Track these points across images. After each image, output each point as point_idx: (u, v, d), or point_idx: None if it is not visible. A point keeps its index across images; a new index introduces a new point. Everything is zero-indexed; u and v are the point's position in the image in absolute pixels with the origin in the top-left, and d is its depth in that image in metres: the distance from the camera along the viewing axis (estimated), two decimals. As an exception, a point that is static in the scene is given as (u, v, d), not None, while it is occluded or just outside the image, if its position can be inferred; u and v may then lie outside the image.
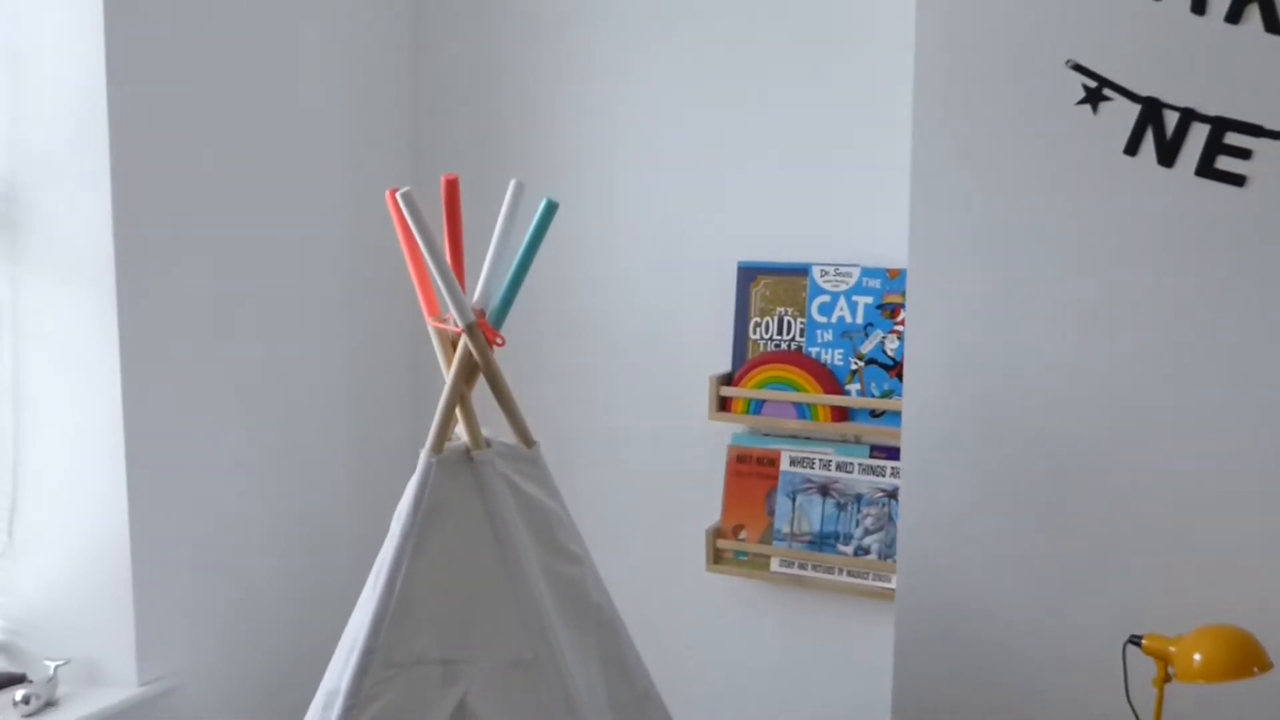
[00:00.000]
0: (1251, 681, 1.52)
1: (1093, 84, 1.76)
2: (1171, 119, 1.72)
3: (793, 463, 2.26)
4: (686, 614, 2.44)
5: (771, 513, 2.27)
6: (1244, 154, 1.68)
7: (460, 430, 1.67)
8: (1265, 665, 1.50)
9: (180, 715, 2.12)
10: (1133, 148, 1.74)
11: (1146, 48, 1.72)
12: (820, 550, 2.22)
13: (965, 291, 1.87)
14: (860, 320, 2.20)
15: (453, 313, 1.62)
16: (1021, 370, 1.84)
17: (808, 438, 2.27)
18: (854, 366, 2.20)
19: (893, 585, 2.04)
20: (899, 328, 2.14)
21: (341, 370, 2.50)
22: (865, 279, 2.19)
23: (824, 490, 2.23)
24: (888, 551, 2.15)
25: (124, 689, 2.04)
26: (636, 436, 2.47)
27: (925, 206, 1.88)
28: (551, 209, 1.62)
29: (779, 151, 2.29)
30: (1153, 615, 1.68)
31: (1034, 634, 1.85)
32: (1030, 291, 1.82)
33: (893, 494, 2.14)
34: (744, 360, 2.30)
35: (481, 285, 1.65)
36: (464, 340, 1.62)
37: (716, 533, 2.33)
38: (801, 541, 2.24)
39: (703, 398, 2.31)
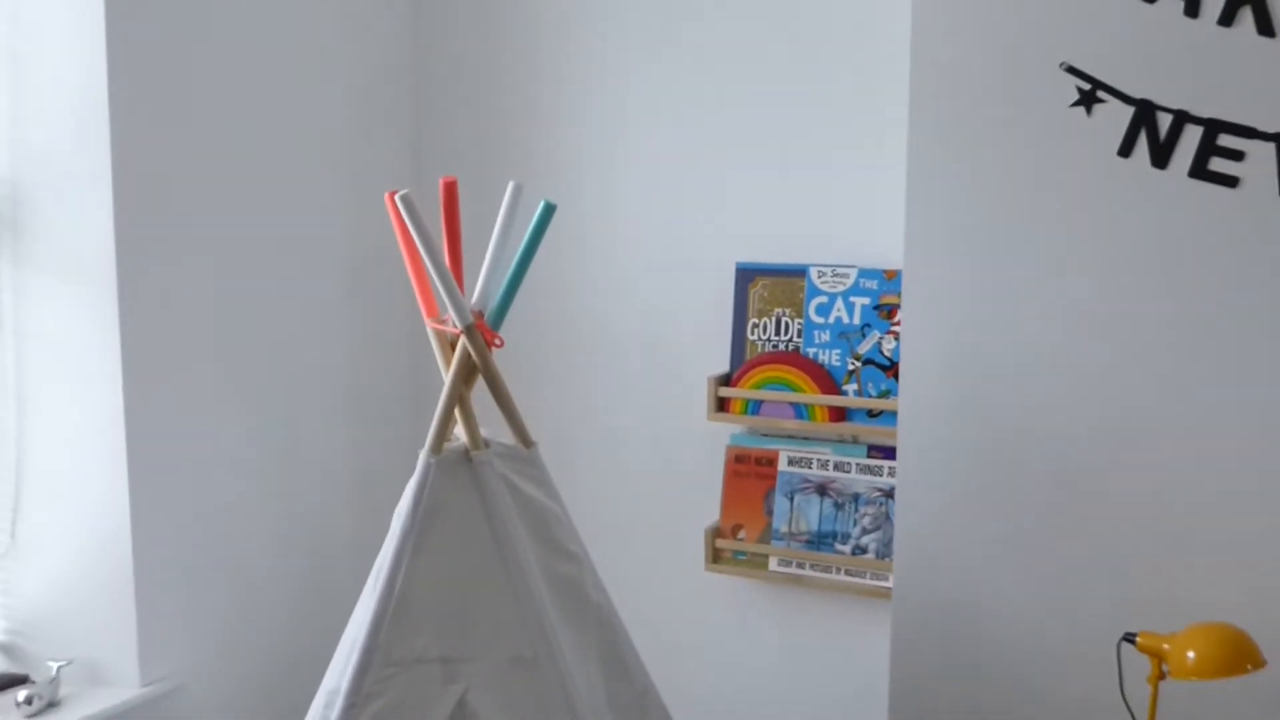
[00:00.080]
0: (1245, 679, 1.53)
1: (1087, 86, 1.77)
2: (1165, 121, 1.73)
3: (791, 463, 2.27)
4: (685, 613, 2.45)
5: (770, 512, 2.28)
6: (1237, 156, 1.69)
7: (459, 431, 1.68)
8: (1259, 662, 1.51)
9: (183, 715, 2.13)
10: (1126, 149, 1.76)
11: (1140, 50, 1.73)
12: (818, 549, 2.23)
13: (961, 292, 1.88)
14: (857, 321, 2.21)
15: (451, 314, 1.63)
16: (1017, 371, 1.85)
17: (805, 438, 2.28)
18: (851, 367, 2.21)
19: (890, 584, 2.05)
20: (896, 328, 2.15)
21: (341, 371, 2.51)
22: (862, 280, 2.20)
23: (822, 490, 2.24)
24: (885, 551, 2.16)
25: (126, 689, 2.05)
26: (635, 437, 2.48)
27: (921, 208, 1.89)
28: (549, 210, 1.63)
29: (777, 153, 2.31)
30: (1147, 613, 1.69)
31: (1029, 632, 1.86)
32: (1025, 292, 1.83)
33: (890, 493, 2.16)
34: (742, 361, 2.31)
35: (480, 287, 1.66)
36: (463, 341, 1.63)
37: (715, 532, 2.34)
38: (799, 541, 2.25)
39: (701, 398, 2.31)
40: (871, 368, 2.19)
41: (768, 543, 2.28)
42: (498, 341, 1.67)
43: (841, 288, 2.22)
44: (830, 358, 2.23)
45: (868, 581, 2.19)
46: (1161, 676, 1.62)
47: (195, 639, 2.17)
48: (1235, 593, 1.69)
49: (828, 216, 2.27)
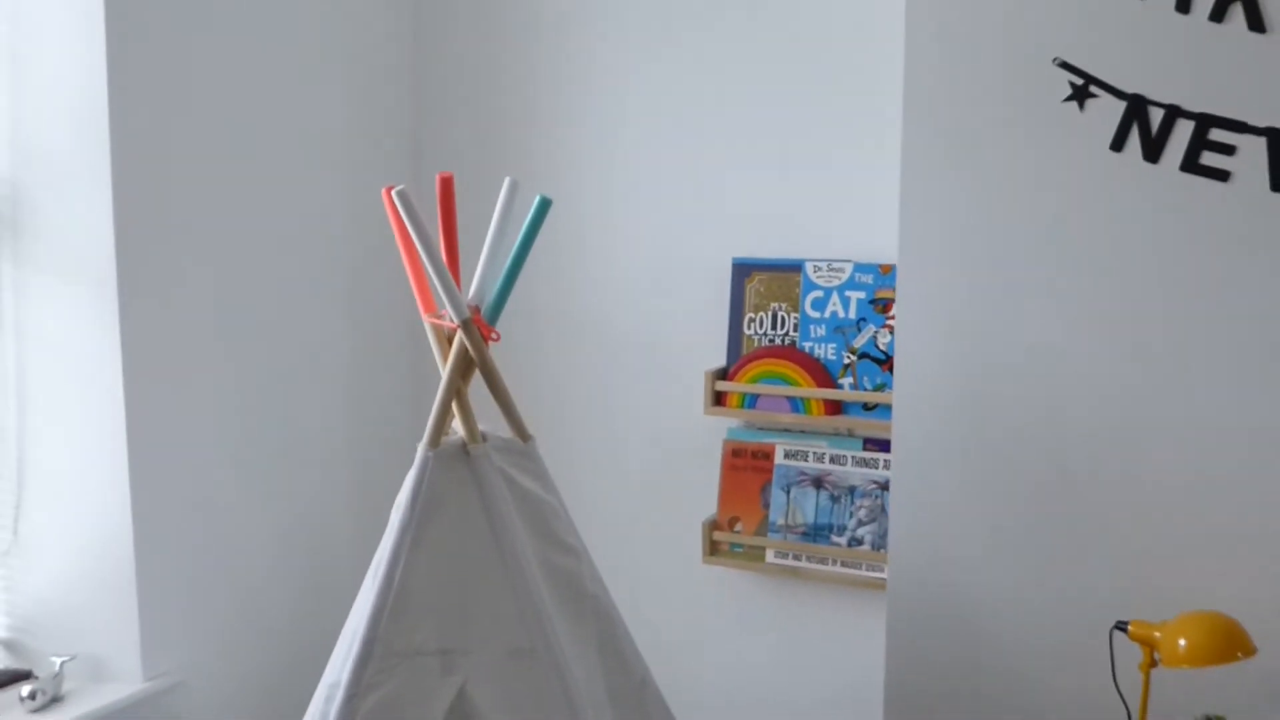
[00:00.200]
0: (1235, 666, 1.55)
1: (1079, 81, 1.78)
2: (1157, 116, 1.74)
3: (787, 456, 2.29)
4: (683, 605, 2.47)
5: (766, 505, 2.30)
6: (1228, 150, 1.71)
7: (457, 425, 1.69)
8: (1249, 650, 1.53)
9: (185, 710, 2.14)
10: (1119, 144, 1.77)
11: (1132, 46, 1.74)
12: (814, 542, 2.24)
13: (955, 287, 1.89)
14: (853, 315, 2.22)
15: (448, 309, 1.64)
16: (1010, 364, 1.86)
17: (802, 431, 2.29)
18: (847, 361, 2.22)
19: (885, 576, 2.06)
20: (891, 323, 2.16)
21: (340, 367, 2.52)
22: (858, 274, 2.22)
23: (818, 483, 2.25)
24: (881, 542, 2.17)
25: (129, 685, 2.06)
26: (632, 431, 2.50)
27: (915, 203, 1.91)
28: (545, 205, 1.65)
29: (773, 149, 2.32)
30: (1140, 604, 1.71)
31: (1023, 622, 1.87)
32: (1019, 287, 1.85)
33: (885, 486, 2.17)
34: (739, 355, 2.32)
35: (477, 282, 1.67)
36: (459, 336, 1.65)
37: (712, 525, 2.35)
38: (796, 533, 2.26)
39: (698, 392, 2.33)
40: (867, 361, 2.20)
41: (764, 535, 2.29)
42: (494, 336, 1.68)
43: (837, 282, 2.23)
44: (826, 352, 2.24)
45: (863, 573, 2.20)
46: (1153, 664, 1.63)
47: (197, 634, 2.18)
48: (1227, 583, 1.70)
49: (823, 212, 2.28)
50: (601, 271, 2.50)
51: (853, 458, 2.23)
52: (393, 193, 1.62)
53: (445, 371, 1.67)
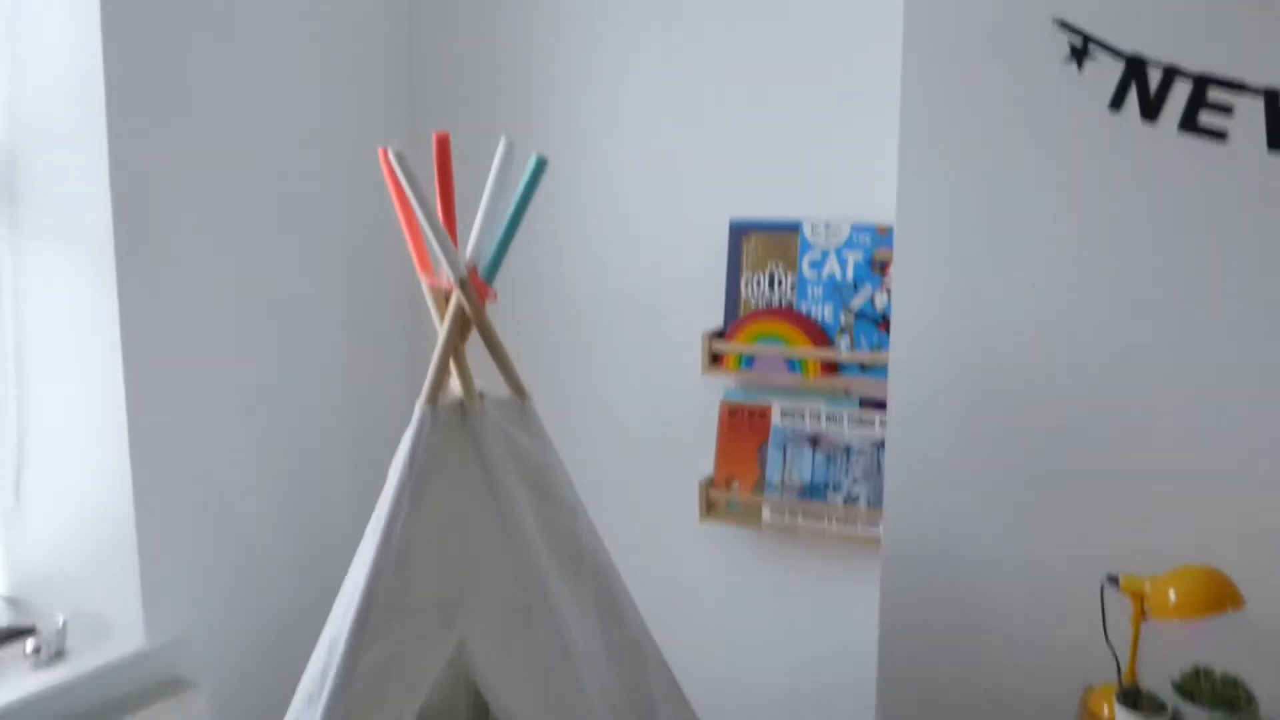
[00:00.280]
0: (1224, 619, 1.57)
1: (1078, 41, 1.77)
2: (1155, 75, 1.73)
3: (784, 416, 2.30)
4: (680, 563, 2.49)
5: (763, 464, 2.31)
6: (1226, 110, 1.70)
7: (455, 384, 1.70)
8: (1238, 603, 1.55)
9: (188, 666, 2.17)
10: (1117, 103, 1.76)
11: (1131, 5, 1.73)
12: (810, 500, 2.26)
13: (952, 247, 1.89)
14: (850, 276, 2.22)
15: (445, 268, 1.65)
16: (1006, 324, 1.87)
17: (798, 391, 2.30)
18: (844, 321, 2.23)
19: (880, 533, 2.07)
20: (888, 283, 2.16)
21: (338, 327, 2.53)
22: (855, 235, 2.22)
23: (814, 442, 2.27)
24: (876, 501, 2.19)
25: (131, 641, 2.09)
26: (630, 391, 2.51)
27: (913, 163, 1.90)
28: (541, 165, 1.65)
29: (771, 109, 2.31)
30: (1131, 559, 1.73)
31: (1015, 577, 1.89)
32: (1016, 246, 1.85)
33: (881, 445, 2.18)
34: (736, 316, 2.33)
35: (473, 241, 1.67)
36: (456, 295, 1.65)
37: (709, 484, 2.37)
38: (792, 492, 2.28)
39: (695, 353, 2.34)
40: (864, 322, 2.21)
41: (761, 494, 2.31)
42: (492, 295, 1.69)
43: (835, 243, 2.24)
44: (823, 312, 2.25)
45: (859, 531, 2.22)
46: (1143, 617, 1.65)
47: (198, 592, 2.20)
48: (1217, 538, 1.71)
49: (821, 172, 2.28)
50: (598, 231, 2.50)
51: (849, 417, 2.24)
52: (389, 153, 1.62)
53: (442, 331, 1.67)
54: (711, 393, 2.38)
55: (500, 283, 1.72)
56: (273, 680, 2.22)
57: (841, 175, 2.26)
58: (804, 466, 2.27)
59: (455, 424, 1.68)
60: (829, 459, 2.25)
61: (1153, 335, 1.77)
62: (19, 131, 2.02)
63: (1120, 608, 1.69)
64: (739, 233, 2.33)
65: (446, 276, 1.66)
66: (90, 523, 2.10)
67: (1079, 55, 1.78)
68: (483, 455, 1.68)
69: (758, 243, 2.31)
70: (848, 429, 2.24)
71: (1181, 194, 1.74)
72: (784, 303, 2.28)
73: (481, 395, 1.70)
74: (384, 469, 1.73)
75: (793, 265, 2.27)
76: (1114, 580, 1.68)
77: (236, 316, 2.25)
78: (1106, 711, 1.68)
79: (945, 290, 1.91)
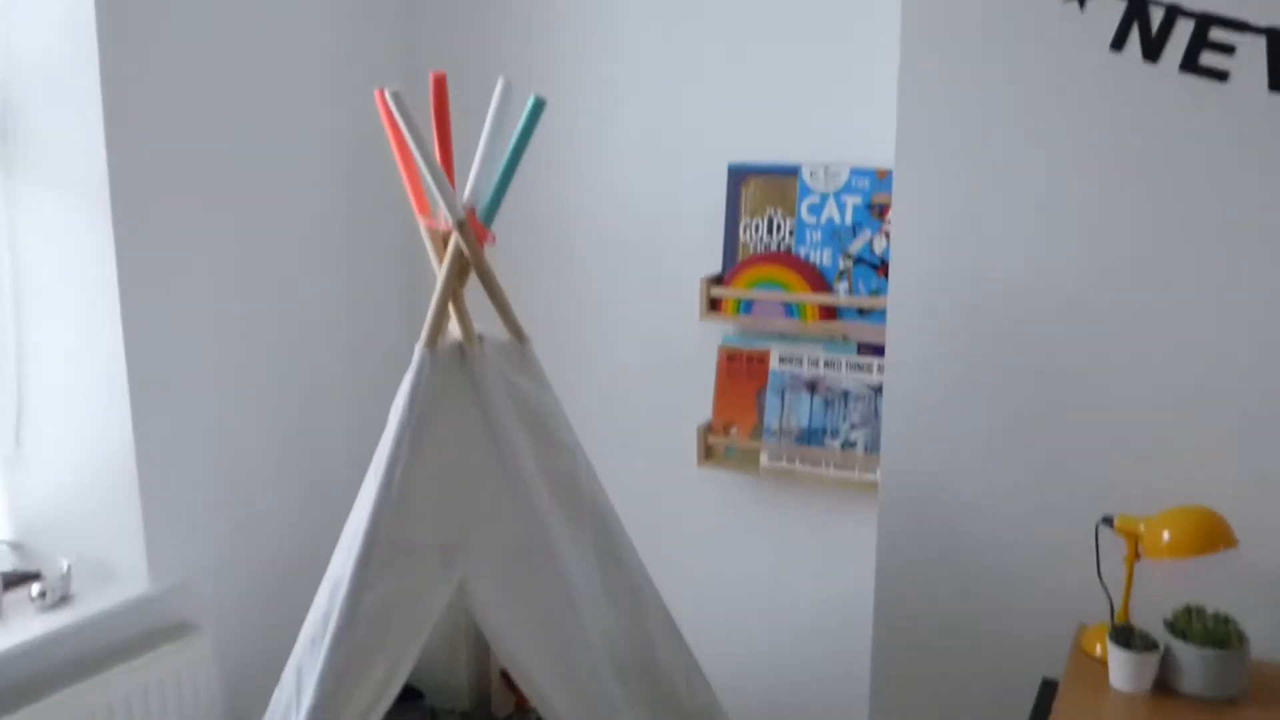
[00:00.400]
0: (1215, 559, 1.59)
1: (1080, -21, 1.76)
2: (1157, 15, 1.72)
3: (782, 361, 2.30)
4: (678, 508, 2.51)
5: (761, 410, 2.32)
6: (1227, 49, 1.69)
7: (454, 327, 1.71)
8: (1230, 541, 1.56)
9: (192, 609, 2.19)
10: (1119, 43, 1.75)
11: (1134, -59, 1.72)
12: (808, 445, 2.27)
13: (951, 191, 1.89)
14: (849, 220, 2.22)
15: (443, 210, 1.64)
16: (1005, 267, 1.87)
17: (796, 337, 2.31)
18: (842, 266, 2.23)
19: (877, 478, 2.09)
20: (887, 228, 2.16)
21: (336, 270, 2.51)
22: (855, 179, 2.21)
23: (812, 387, 2.27)
24: (873, 445, 2.20)
25: (135, 585, 2.10)
26: (628, 336, 2.51)
27: (913, 106, 1.89)
28: (539, 106, 1.63)
29: (770, 52, 2.29)
30: (1125, 501, 1.74)
31: (1010, 520, 1.91)
32: (1015, 189, 1.84)
33: (879, 390, 2.19)
34: (734, 261, 2.32)
35: (471, 183, 1.67)
36: (455, 237, 1.65)
37: (707, 429, 2.38)
38: (790, 437, 2.29)
39: (694, 298, 2.33)
40: (862, 266, 2.20)
41: (759, 439, 2.32)
42: (490, 237, 1.68)
43: (833, 187, 2.23)
44: (822, 257, 2.24)
45: (856, 475, 2.23)
46: (1137, 557, 1.67)
47: (201, 536, 2.22)
48: (1211, 478, 1.73)
49: (820, 116, 2.26)
50: (597, 175, 2.49)
51: (846, 362, 2.24)
52: (386, 94, 1.60)
53: (441, 273, 1.67)
54: (710, 338, 2.39)
55: (498, 226, 1.72)
56: (276, 623, 2.24)
57: (840, 119, 2.24)
58: (802, 412, 2.28)
59: (454, 367, 1.69)
60: (827, 404, 2.26)
61: (1150, 279, 1.77)
62: (11, 73, 2.00)
63: (1114, 549, 1.71)
64: (737, 177, 2.32)
65: (444, 219, 1.65)
66: (92, 468, 2.11)
67: (1081, -5, 1.76)
68: (482, 398, 1.69)
69: (756, 187, 2.30)
70: (845, 374, 2.25)
71: (1182, 135, 1.73)
72: (782, 247, 2.28)
73: (480, 338, 1.71)
74: (384, 412, 1.73)
75: (791, 210, 2.26)
76: (1109, 521, 1.70)
77: (233, 261, 2.24)
78: (1099, 650, 1.71)
79: (944, 234, 1.91)
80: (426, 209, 1.72)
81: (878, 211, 2.19)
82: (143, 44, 2.01)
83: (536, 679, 1.70)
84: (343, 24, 2.46)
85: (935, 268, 1.92)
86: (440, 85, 1.63)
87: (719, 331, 2.38)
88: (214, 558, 2.25)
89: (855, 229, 2.21)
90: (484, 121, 1.66)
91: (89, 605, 2.03)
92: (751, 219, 2.30)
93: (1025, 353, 1.88)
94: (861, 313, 2.21)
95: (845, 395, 2.24)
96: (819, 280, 2.24)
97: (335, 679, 1.63)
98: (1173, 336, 1.77)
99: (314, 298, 2.46)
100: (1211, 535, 1.57)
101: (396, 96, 1.59)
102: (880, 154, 2.13)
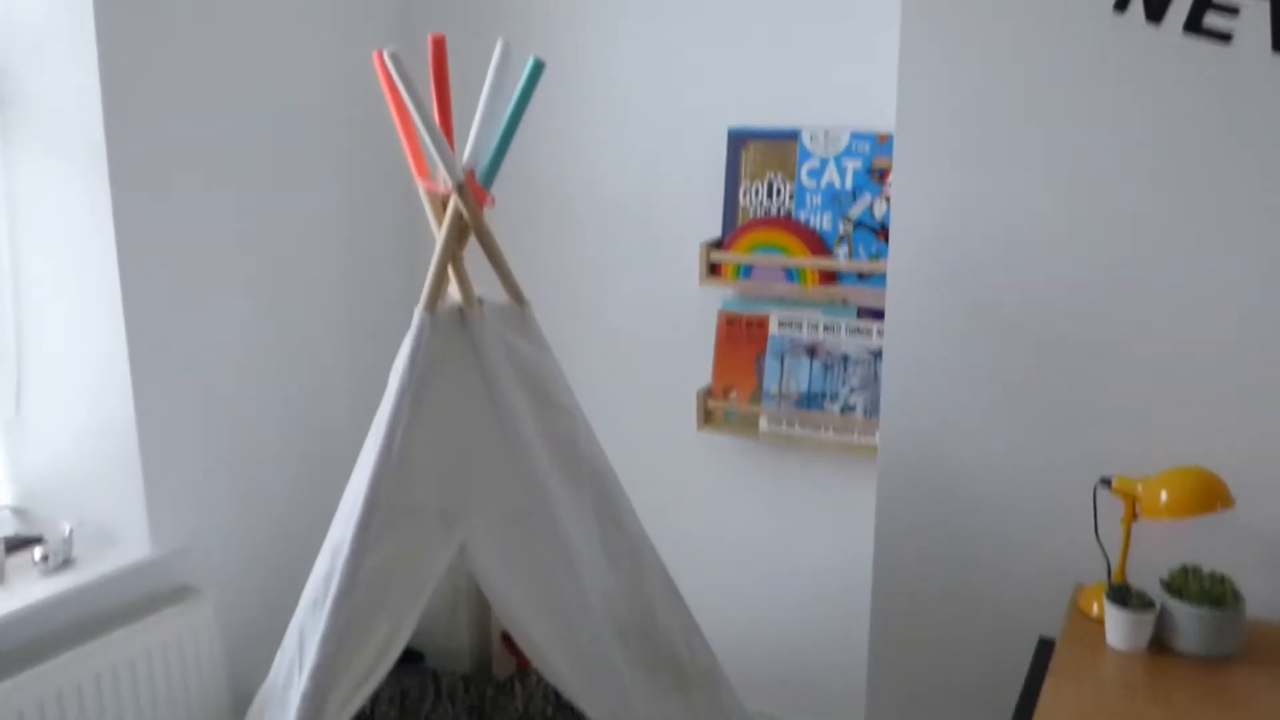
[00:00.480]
0: (1211, 520, 1.59)
1: (1084, -61, 1.74)
2: (1161, -25, 1.71)
3: (781, 325, 2.30)
4: (678, 472, 2.52)
5: (760, 374, 2.32)
6: (1231, 11, 1.68)
7: (453, 290, 1.70)
8: (1228, 501, 1.57)
9: (194, 573, 2.20)
10: (1122, 4, 1.74)
11: (1139, -100, 1.70)
12: (808, 409, 2.27)
13: (952, 155, 1.88)
14: (849, 184, 2.21)
15: (442, 172, 1.64)
16: (1006, 231, 1.86)
17: (796, 301, 2.30)
18: (842, 230, 2.22)
19: (877, 441, 2.10)
20: (887, 191, 2.15)
21: (335, 233, 2.51)
22: (855, 143, 2.20)
23: (811, 352, 2.28)
24: (873, 409, 2.20)
25: (137, 549, 2.12)
26: (628, 300, 2.51)
27: (914, 69, 1.88)
28: (538, 68, 1.62)
29: (770, 14, 2.27)
30: (1124, 463, 1.75)
31: (1009, 482, 1.92)
32: (1016, 153, 1.84)
33: (878, 354, 2.19)
34: (734, 226, 2.32)
35: (471, 146, 1.66)
36: (454, 200, 1.64)
37: (707, 394, 2.38)
38: (789, 401, 2.29)
39: (693, 263, 2.33)
40: (862, 231, 2.20)
41: (758, 403, 2.33)
42: (489, 200, 1.68)
43: (833, 151, 2.22)
44: (821, 221, 2.24)
45: (855, 439, 2.24)
46: (1134, 518, 1.68)
47: (203, 500, 2.23)
48: (1209, 439, 1.74)
49: (821, 79, 2.25)
50: (597, 138, 2.48)
51: (846, 326, 2.24)
52: (384, 55, 1.59)
53: (441, 236, 1.67)
54: (709, 303, 2.38)
55: (497, 189, 1.71)
56: (278, 586, 2.26)
57: (841, 82, 2.23)
58: (801, 376, 2.29)
59: (454, 330, 1.69)
60: (826, 368, 2.26)
61: (1150, 240, 1.77)
62: (7, 40, 1.98)
63: (1111, 511, 1.72)
64: (737, 141, 2.31)
65: (444, 181, 1.65)
66: (93, 433, 2.11)
67: (1084, -45, 1.74)
68: (482, 361, 1.69)
69: (756, 151, 2.29)
70: (845, 338, 2.25)
71: (1184, 98, 1.72)
72: (782, 212, 2.27)
73: (480, 301, 1.71)
74: (383, 376, 1.73)
75: (791, 174, 2.26)
76: (1107, 482, 1.71)
77: (232, 225, 2.24)
78: (1096, 610, 1.72)
79: (945, 198, 1.90)
80: (425, 171, 1.71)
81: (878, 175, 2.18)
82: (139, 9, 1.99)
83: (537, 640, 1.71)
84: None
85: (935, 232, 1.92)
86: (439, 47, 1.62)
87: (719, 296, 2.38)
88: (215, 522, 2.26)
89: (855, 193, 2.20)
90: (481, 84, 1.65)
91: (91, 569, 2.04)
92: (751, 183, 2.30)
93: (1025, 316, 1.88)
94: (861, 277, 2.20)
95: (845, 359, 2.25)
96: (819, 244, 2.23)
97: (337, 641, 1.65)
98: (1172, 300, 1.77)
99: (313, 261, 2.46)
100: (1209, 495, 1.58)
101: (395, 58, 1.58)
102: (881, 118, 2.13)
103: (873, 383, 2.21)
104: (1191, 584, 1.63)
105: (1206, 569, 1.66)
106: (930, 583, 2.03)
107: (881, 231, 2.17)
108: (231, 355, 2.27)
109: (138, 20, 1.99)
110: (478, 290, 1.71)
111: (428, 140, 1.61)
